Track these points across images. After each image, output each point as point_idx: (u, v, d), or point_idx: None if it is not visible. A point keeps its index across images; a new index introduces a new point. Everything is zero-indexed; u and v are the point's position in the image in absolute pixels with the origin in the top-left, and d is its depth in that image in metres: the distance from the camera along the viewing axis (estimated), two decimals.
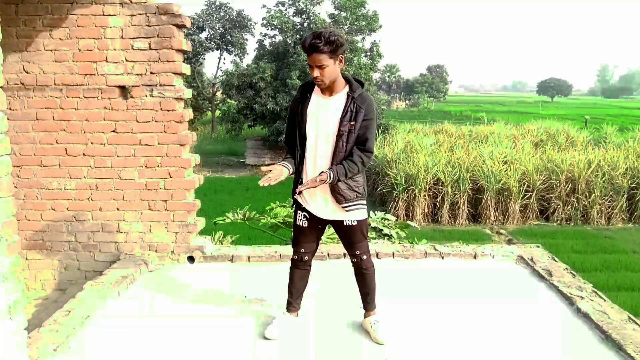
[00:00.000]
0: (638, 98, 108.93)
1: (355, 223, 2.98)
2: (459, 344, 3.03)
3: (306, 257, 3.13)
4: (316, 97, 2.90)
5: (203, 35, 27.71)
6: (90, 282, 3.77)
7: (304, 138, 2.93)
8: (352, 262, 3.11)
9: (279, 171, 2.86)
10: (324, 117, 2.86)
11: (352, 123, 2.80)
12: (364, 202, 3.01)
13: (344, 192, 2.89)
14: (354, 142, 2.84)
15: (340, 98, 2.85)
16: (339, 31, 2.81)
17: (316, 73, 2.75)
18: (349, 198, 2.91)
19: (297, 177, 3.01)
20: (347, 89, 2.87)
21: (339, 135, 2.83)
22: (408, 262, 4.38)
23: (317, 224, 3.07)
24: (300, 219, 3.07)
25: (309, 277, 3.20)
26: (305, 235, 3.09)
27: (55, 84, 4.13)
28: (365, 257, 3.06)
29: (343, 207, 2.93)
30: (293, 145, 2.99)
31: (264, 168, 2.88)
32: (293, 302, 3.20)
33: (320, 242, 3.92)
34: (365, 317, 3.15)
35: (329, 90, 2.86)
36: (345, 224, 2.99)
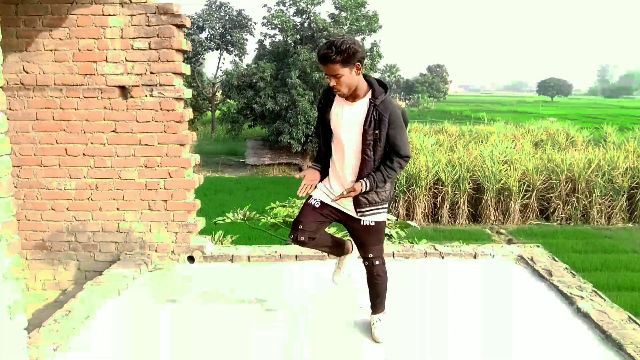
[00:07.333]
0: (638, 98, 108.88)
1: (373, 224, 2.92)
2: (458, 344, 3.03)
3: (302, 238, 2.94)
4: (339, 101, 2.85)
5: (203, 35, 27.70)
6: (90, 282, 3.77)
7: (330, 139, 2.90)
8: (364, 265, 3.03)
9: (313, 174, 2.88)
10: (346, 123, 2.81)
11: (377, 132, 2.74)
12: (387, 205, 2.95)
13: (370, 196, 2.84)
14: (382, 150, 2.78)
15: (362, 104, 2.78)
16: (353, 38, 2.74)
17: (333, 82, 2.71)
18: (374, 203, 2.86)
19: (323, 175, 2.98)
20: (369, 95, 2.78)
21: (365, 145, 2.77)
22: (408, 262, 4.38)
23: (329, 213, 2.97)
24: (315, 200, 2.97)
25: (327, 240, 3.14)
26: (308, 215, 2.96)
27: (55, 84, 4.13)
28: (378, 262, 2.98)
29: (365, 213, 2.87)
30: (321, 142, 2.98)
31: (297, 175, 2.88)
32: (332, 253, 3.23)
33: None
34: (371, 314, 3.13)
35: (351, 96, 2.80)
36: (362, 222, 2.92)
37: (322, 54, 2.66)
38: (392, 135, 2.76)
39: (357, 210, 2.88)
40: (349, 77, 2.69)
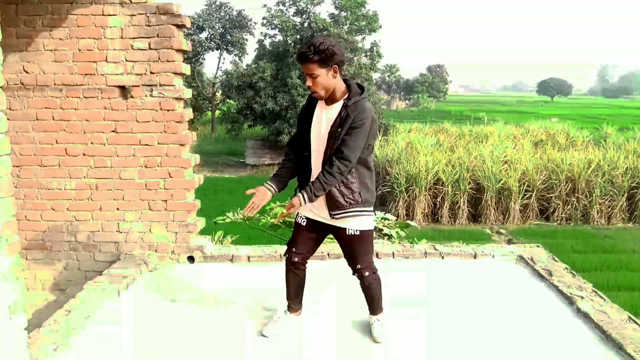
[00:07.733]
0: (638, 98, 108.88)
1: (358, 233, 2.86)
2: (459, 344, 3.03)
3: (296, 259, 3.01)
4: (320, 105, 2.86)
5: (203, 35, 27.70)
6: (90, 282, 3.77)
7: (309, 144, 2.89)
8: (355, 276, 3.00)
9: (262, 194, 2.81)
10: (324, 126, 2.80)
11: (340, 130, 2.71)
12: (364, 209, 2.84)
13: (337, 200, 2.79)
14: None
15: (337, 107, 2.77)
16: (334, 41, 2.73)
17: (309, 82, 2.73)
18: (341, 206, 2.80)
19: (303, 180, 2.94)
20: (345, 96, 2.76)
21: (327, 142, 2.76)
22: (408, 262, 4.38)
23: (316, 227, 2.98)
24: (300, 217, 3.01)
25: (304, 281, 3.13)
26: (300, 234, 3.01)
27: (55, 84, 4.13)
28: (367, 273, 2.93)
29: (334, 216, 2.83)
30: (298, 149, 2.94)
31: (248, 192, 2.83)
32: (291, 303, 3.18)
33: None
34: (369, 315, 3.13)
35: (329, 99, 2.80)
36: (347, 232, 2.87)
37: (300, 53, 2.69)
38: (348, 133, 2.69)
39: (330, 214, 2.84)
40: (325, 78, 2.69)
